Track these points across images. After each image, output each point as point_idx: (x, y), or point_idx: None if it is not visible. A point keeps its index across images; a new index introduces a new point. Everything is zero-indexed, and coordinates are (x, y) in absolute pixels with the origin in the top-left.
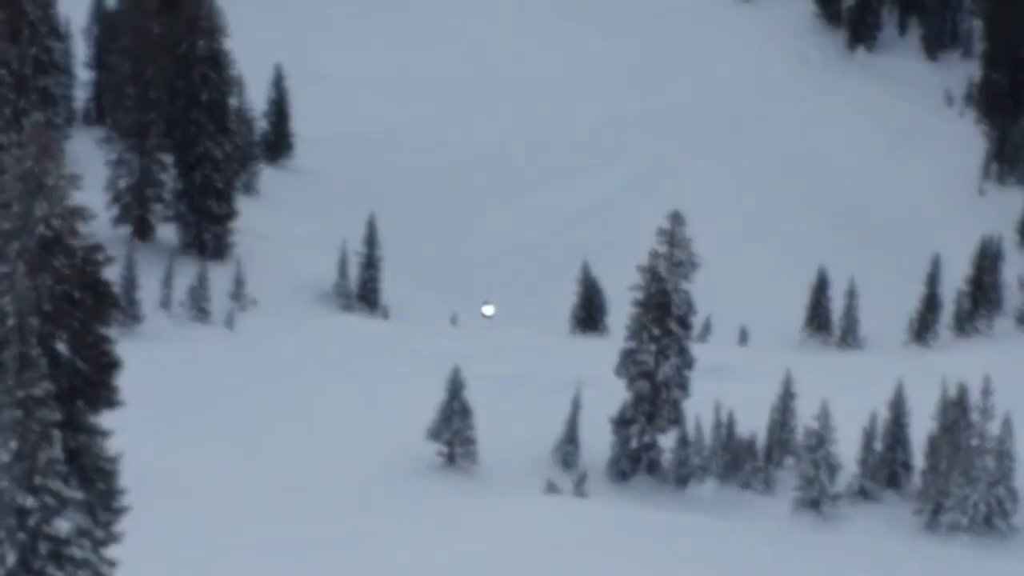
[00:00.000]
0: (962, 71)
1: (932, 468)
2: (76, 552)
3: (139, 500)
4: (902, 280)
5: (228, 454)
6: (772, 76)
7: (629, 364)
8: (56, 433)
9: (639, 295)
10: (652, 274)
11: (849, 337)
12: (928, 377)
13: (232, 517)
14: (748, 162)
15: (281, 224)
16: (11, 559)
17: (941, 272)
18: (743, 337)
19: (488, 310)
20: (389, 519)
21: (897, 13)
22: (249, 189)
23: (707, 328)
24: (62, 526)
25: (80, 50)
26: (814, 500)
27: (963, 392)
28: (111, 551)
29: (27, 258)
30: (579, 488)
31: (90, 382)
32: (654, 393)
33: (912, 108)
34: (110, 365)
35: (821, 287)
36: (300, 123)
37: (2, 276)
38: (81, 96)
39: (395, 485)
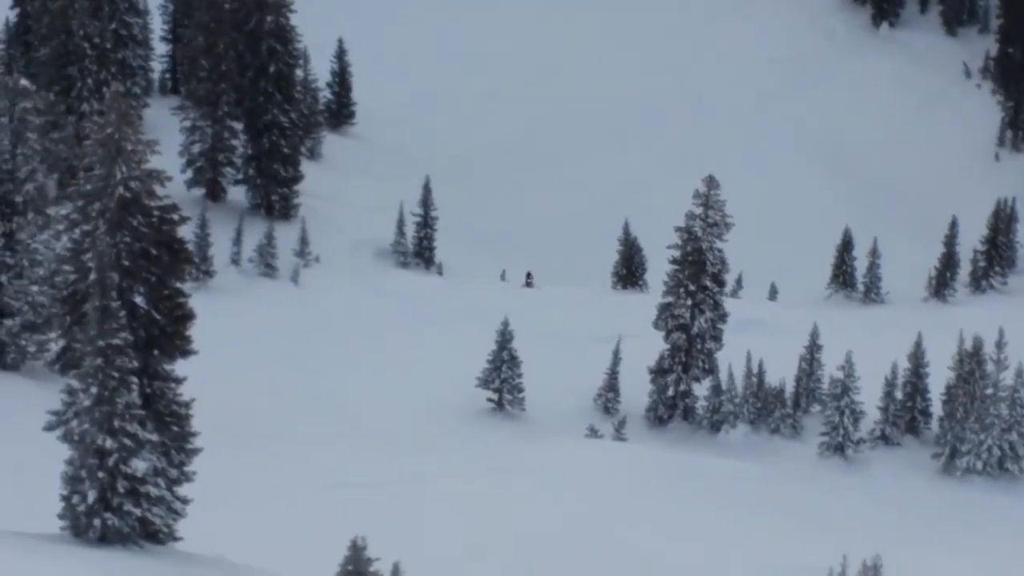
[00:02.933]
0: (980, 45)
1: (949, 415)
2: (152, 490)
3: (210, 442)
4: (922, 240)
5: (293, 400)
6: (800, 51)
7: (667, 317)
8: (134, 380)
9: (676, 253)
10: (688, 234)
11: (872, 293)
12: (946, 330)
13: (296, 458)
14: (776, 131)
15: (343, 187)
16: (92, 496)
17: (959, 232)
18: (773, 293)
19: (529, 279)
20: (443, 461)
21: None
22: (313, 154)
23: (739, 284)
24: (139, 466)
25: (157, 25)
26: (839, 445)
27: (978, 344)
28: (184, 489)
29: (108, 217)
30: (619, 433)
31: (165, 332)
32: (689, 344)
33: (932, 80)
34: (184, 317)
35: (846, 246)
36: (361, 93)
37: (85, 234)
38: (158, 67)
39: (448, 429)
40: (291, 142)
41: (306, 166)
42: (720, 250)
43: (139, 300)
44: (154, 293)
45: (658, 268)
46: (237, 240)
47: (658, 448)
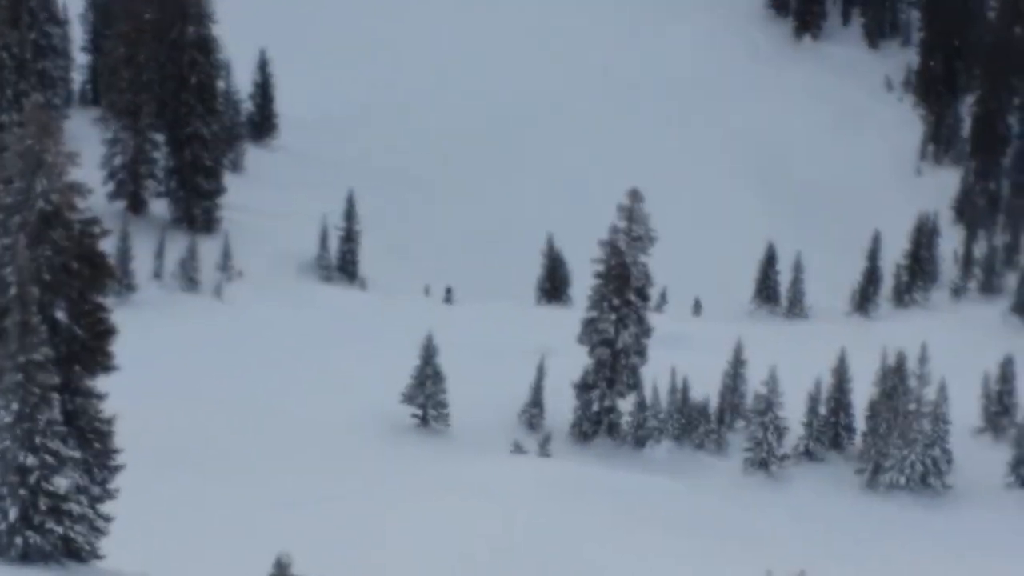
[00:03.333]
0: (901, 59)
1: (873, 431)
2: (74, 507)
3: (132, 459)
4: (845, 254)
5: (214, 416)
6: (723, 62)
7: (591, 332)
8: (55, 396)
9: (600, 267)
10: (612, 248)
11: (795, 308)
12: (869, 345)
13: (218, 476)
14: (700, 142)
15: (266, 200)
16: (13, 514)
17: (881, 247)
18: (697, 308)
19: (448, 294)
20: (367, 478)
21: (840, 4)
22: (236, 167)
23: (663, 299)
24: (61, 483)
25: (77, 35)
26: (763, 460)
27: (902, 359)
28: (107, 507)
29: (28, 231)
30: (544, 449)
31: (87, 348)
32: (614, 359)
33: (855, 93)
34: (106, 332)
35: (769, 261)
36: (284, 105)
37: (4, 248)
38: (78, 78)
39: (372, 446)
40: (213, 154)
41: (229, 179)
42: (644, 264)
43: (60, 315)
44: (75, 308)
45: (583, 282)
46: (159, 254)
47: (582, 464)
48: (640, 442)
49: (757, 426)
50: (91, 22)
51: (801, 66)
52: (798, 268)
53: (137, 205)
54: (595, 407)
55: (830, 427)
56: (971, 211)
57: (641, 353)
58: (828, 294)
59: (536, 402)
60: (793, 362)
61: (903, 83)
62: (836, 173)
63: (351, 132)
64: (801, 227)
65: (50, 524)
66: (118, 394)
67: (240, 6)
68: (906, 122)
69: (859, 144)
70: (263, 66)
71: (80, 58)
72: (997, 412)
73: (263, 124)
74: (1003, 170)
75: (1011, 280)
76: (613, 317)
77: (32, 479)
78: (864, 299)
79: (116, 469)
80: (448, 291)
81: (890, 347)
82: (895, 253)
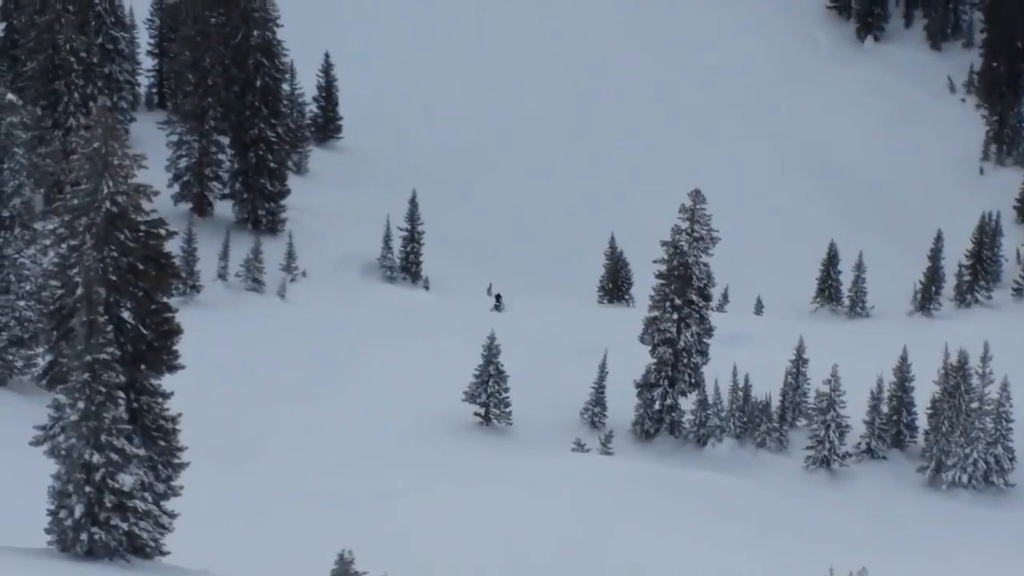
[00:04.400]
0: (964, 60)
1: (935, 429)
2: (139, 504)
3: (197, 457)
4: (907, 254)
5: (281, 414)
6: (785, 63)
7: (653, 332)
8: (120, 394)
9: (662, 267)
10: (674, 248)
11: (857, 307)
12: (931, 344)
13: (283, 472)
14: (762, 143)
15: (329, 201)
16: (79, 510)
17: (944, 246)
18: (759, 307)
19: (498, 301)
20: (430, 475)
21: (903, 5)
22: (300, 169)
23: (725, 298)
24: (126, 480)
25: (143, 39)
26: (824, 458)
27: (964, 358)
28: (171, 504)
29: (94, 232)
30: (606, 447)
31: (152, 347)
32: (676, 358)
33: (917, 94)
34: (171, 331)
35: (831, 260)
36: (347, 107)
37: (72, 249)
38: (144, 82)
39: (435, 444)
40: (278, 156)
41: (293, 180)
42: (706, 264)
43: (126, 315)
44: (141, 308)
45: (644, 282)
46: (224, 255)
47: (644, 462)
48: (702, 440)
49: (819, 424)
50: (157, 27)
51: (863, 67)
52: (860, 267)
53: (202, 207)
54: (657, 406)
55: (892, 425)
56: None
57: (703, 352)
58: (890, 294)
59: (598, 400)
60: (855, 361)
61: (965, 84)
62: (898, 174)
63: (414, 133)
64: (863, 227)
65: (115, 520)
66: (183, 392)
67: (304, 10)
68: (969, 123)
69: (921, 145)
70: (327, 69)
71: (146, 62)
72: None
73: (327, 126)
74: None
75: None
76: (675, 317)
77: (97, 476)
78: (926, 298)
79: (180, 466)
80: (498, 298)
81: (952, 346)
82: (957, 253)
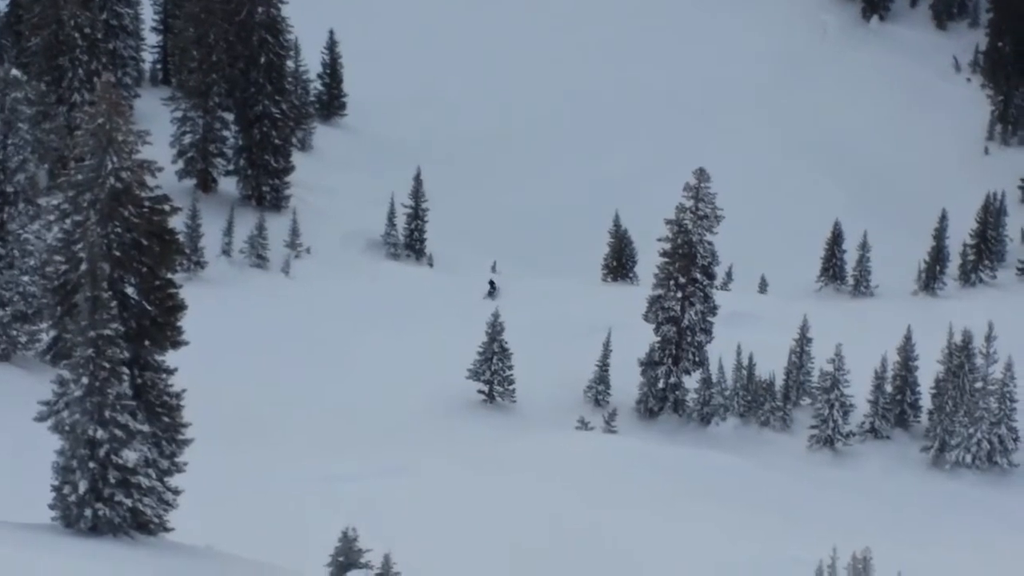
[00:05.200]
0: (969, 39)
1: (938, 408)
2: (143, 481)
3: (201, 433)
4: (911, 233)
5: (284, 391)
6: (791, 44)
7: (657, 310)
8: (125, 370)
9: (666, 246)
10: (678, 226)
11: (862, 286)
12: (935, 324)
13: (286, 449)
14: (768, 124)
15: (334, 178)
16: (83, 486)
17: (948, 226)
18: (763, 286)
19: (492, 288)
20: (433, 453)
21: None
22: (304, 146)
23: (729, 277)
24: (130, 456)
25: (148, 15)
26: (828, 438)
27: (968, 338)
28: (175, 480)
29: (98, 208)
30: (609, 425)
31: (156, 323)
32: (680, 337)
33: (922, 74)
34: (175, 307)
35: (836, 240)
36: (352, 85)
37: (76, 224)
38: (148, 58)
39: (438, 422)
40: (282, 133)
41: (297, 157)
42: (710, 243)
43: (130, 291)
44: (145, 284)
45: (648, 260)
46: (228, 231)
47: (648, 440)
48: (705, 419)
49: (823, 403)
50: (161, 2)
51: (869, 47)
52: (864, 247)
53: (206, 183)
54: (661, 384)
55: (896, 405)
56: None
57: (707, 331)
58: (894, 273)
59: (602, 379)
60: (859, 340)
61: (971, 64)
62: (903, 153)
63: (418, 111)
64: (868, 206)
65: (119, 496)
66: (187, 369)
67: None
68: (974, 102)
69: (926, 124)
70: (331, 46)
71: (151, 38)
72: None
73: (331, 103)
74: None
75: None
76: (679, 295)
77: (101, 452)
78: (930, 278)
79: (184, 443)
80: (492, 285)
81: (956, 325)
82: (962, 232)
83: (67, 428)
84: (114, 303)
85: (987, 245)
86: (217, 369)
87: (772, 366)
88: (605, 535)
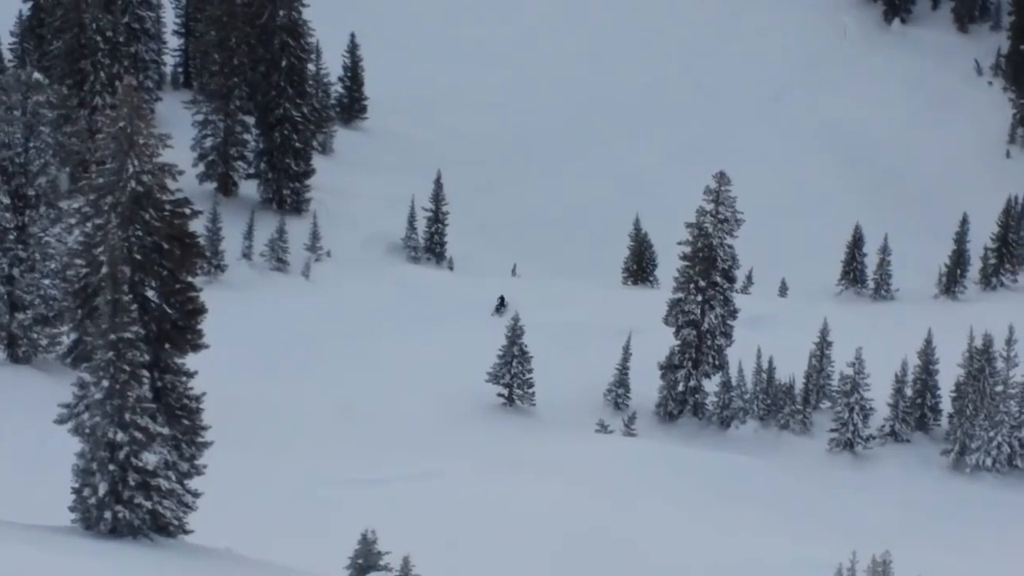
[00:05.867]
0: (991, 42)
1: (959, 412)
2: (162, 483)
3: (220, 436)
4: (933, 237)
5: (303, 395)
6: (811, 47)
7: (677, 313)
8: (145, 373)
9: (687, 249)
10: (699, 230)
11: (882, 290)
12: (956, 327)
13: (306, 453)
14: (788, 126)
15: (354, 182)
16: (102, 489)
17: (969, 229)
18: (783, 289)
19: (501, 304)
20: (453, 456)
21: None
22: (325, 149)
23: (750, 280)
24: (149, 459)
25: (169, 18)
26: (848, 441)
27: (989, 341)
28: (195, 483)
29: (119, 211)
30: (629, 428)
31: (177, 326)
32: (699, 340)
33: (944, 77)
34: (195, 311)
35: (856, 243)
36: (373, 88)
37: (97, 228)
38: (170, 61)
39: (458, 424)
40: (303, 136)
41: (318, 160)
42: (731, 246)
43: (151, 294)
44: (165, 287)
45: (669, 263)
46: (248, 234)
47: (668, 444)
48: (725, 422)
49: (843, 407)
50: (183, 6)
51: (890, 50)
52: (885, 250)
53: (227, 186)
54: (680, 387)
55: (916, 408)
56: None
57: (727, 334)
58: (916, 277)
59: (622, 382)
60: (879, 343)
61: (993, 67)
62: (924, 156)
63: (438, 115)
64: (889, 210)
65: (139, 499)
66: (207, 372)
67: None
68: (995, 106)
69: (948, 128)
70: (352, 49)
71: (172, 41)
72: None
73: (352, 106)
74: None
75: None
76: (699, 298)
77: (121, 455)
78: (951, 281)
79: (204, 445)
80: (501, 300)
81: (977, 329)
82: (983, 236)
83: (87, 431)
84: (134, 306)
85: (1008, 249)
86: (236, 372)
87: (792, 369)
88: (625, 537)
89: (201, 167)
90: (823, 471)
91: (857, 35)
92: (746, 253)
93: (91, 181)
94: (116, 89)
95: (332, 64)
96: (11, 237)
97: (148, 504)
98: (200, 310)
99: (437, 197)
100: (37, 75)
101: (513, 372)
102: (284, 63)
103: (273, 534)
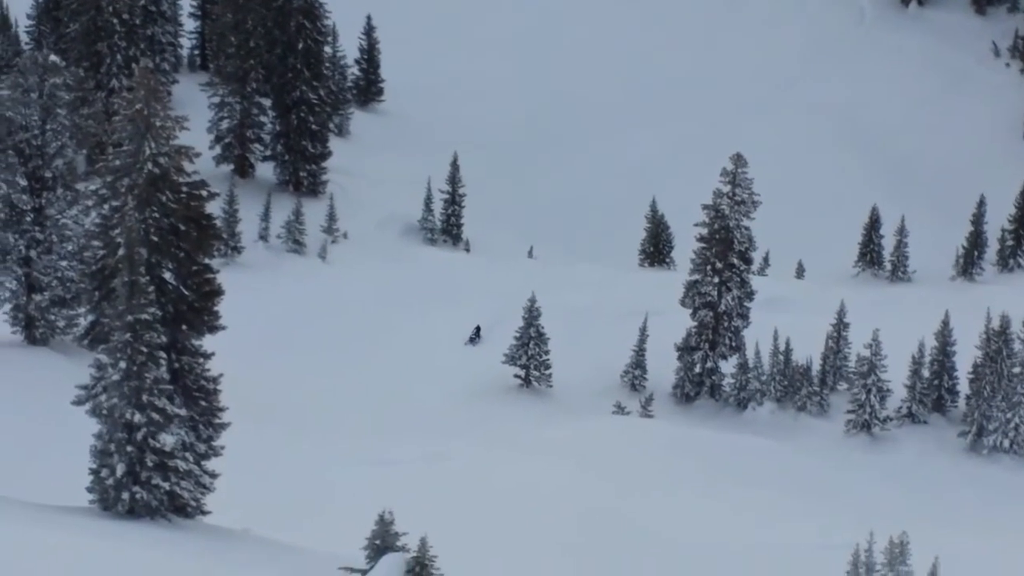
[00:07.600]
0: (1009, 24)
1: (976, 393)
2: (180, 464)
3: (237, 417)
4: (950, 219)
5: (320, 376)
6: (829, 29)
7: (694, 295)
8: (162, 354)
9: (703, 231)
10: (716, 211)
11: (899, 271)
12: (973, 309)
13: (322, 434)
14: (805, 107)
15: (371, 164)
16: (120, 470)
17: (987, 211)
18: (800, 271)
19: (476, 334)
20: (470, 438)
21: None
22: (341, 131)
23: (766, 262)
24: (167, 440)
25: (185, 1)
26: (865, 422)
27: (1006, 323)
28: (212, 463)
29: (136, 193)
30: (646, 410)
31: (193, 308)
32: (716, 322)
33: (961, 59)
34: (212, 292)
35: (873, 225)
36: (389, 70)
37: (114, 209)
38: (186, 44)
39: (475, 406)
40: (319, 119)
41: (334, 143)
42: (747, 228)
43: (168, 275)
44: (182, 268)
45: (685, 246)
46: (265, 216)
47: (685, 425)
48: (742, 404)
49: (860, 388)
50: None
51: (907, 32)
52: (902, 232)
53: (244, 168)
54: (697, 369)
55: (933, 390)
56: None
57: (744, 316)
58: (933, 258)
59: (639, 363)
60: (896, 325)
61: (1010, 49)
62: (942, 139)
63: (455, 97)
64: (906, 192)
65: (156, 480)
66: (224, 353)
67: None
68: (1012, 87)
69: (965, 109)
70: (369, 32)
71: (189, 24)
72: None
73: (369, 89)
74: None
75: None
76: (716, 280)
77: (139, 436)
78: (968, 263)
79: (221, 426)
80: (477, 330)
81: (994, 310)
82: (1000, 218)
83: (105, 412)
84: (151, 288)
85: None
86: (253, 353)
87: (809, 351)
88: (639, 517)
89: (218, 149)
90: (840, 453)
91: (874, 17)
92: (762, 236)
93: (108, 163)
94: (133, 71)
95: (348, 46)
96: (28, 219)
97: (166, 485)
98: (217, 292)
99: (454, 179)
100: (54, 57)
101: (530, 354)
102: (300, 45)
103: (290, 514)
